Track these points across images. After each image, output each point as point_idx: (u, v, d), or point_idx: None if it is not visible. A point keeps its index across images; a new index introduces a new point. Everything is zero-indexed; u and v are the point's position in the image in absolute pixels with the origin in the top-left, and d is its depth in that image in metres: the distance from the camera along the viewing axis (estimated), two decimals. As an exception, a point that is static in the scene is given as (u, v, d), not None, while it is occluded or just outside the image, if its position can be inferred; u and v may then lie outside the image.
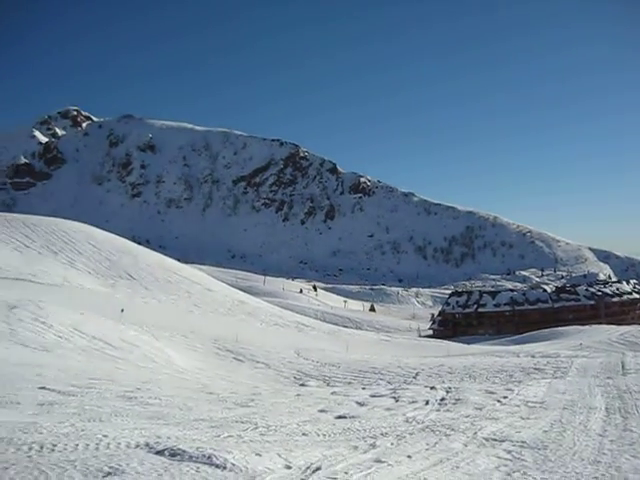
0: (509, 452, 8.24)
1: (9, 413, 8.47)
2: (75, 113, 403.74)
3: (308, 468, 6.03)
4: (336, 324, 63.71)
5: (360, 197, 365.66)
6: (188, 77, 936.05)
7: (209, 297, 61.46)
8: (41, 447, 6.09)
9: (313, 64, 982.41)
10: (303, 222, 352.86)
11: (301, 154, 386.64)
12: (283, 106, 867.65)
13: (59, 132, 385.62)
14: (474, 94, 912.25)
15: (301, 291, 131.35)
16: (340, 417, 10.49)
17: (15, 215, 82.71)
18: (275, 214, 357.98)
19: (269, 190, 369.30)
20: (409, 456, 7.37)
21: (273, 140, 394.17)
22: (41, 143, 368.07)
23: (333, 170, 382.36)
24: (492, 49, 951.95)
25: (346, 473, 5.93)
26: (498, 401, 13.80)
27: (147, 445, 6.51)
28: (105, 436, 6.90)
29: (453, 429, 9.77)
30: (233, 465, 5.79)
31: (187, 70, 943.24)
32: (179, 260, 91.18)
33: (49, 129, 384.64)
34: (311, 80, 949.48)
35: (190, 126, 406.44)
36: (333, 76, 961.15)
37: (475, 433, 9.49)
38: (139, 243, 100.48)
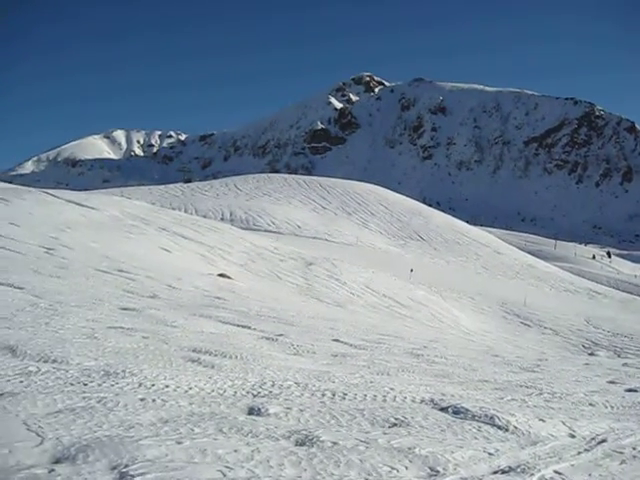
0: None
1: (306, 361, 9.09)
2: (368, 79, 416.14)
3: (593, 439, 5.81)
4: (630, 293, 59.86)
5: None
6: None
7: (497, 260, 60.75)
8: (333, 394, 6.49)
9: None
10: (598, 184, 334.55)
11: (596, 113, 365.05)
12: (578, 64, 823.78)
13: (353, 98, 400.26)
14: None
15: (594, 257, 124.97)
16: (631, 390, 9.95)
17: (313, 178, 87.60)
18: (568, 176, 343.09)
19: (562, 151, 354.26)
20: None
21: (567, 99, 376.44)
22: (336, 109, 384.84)
23: (631, 129, 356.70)
24: None
25: (634, 448, 5.62)
26: None
27: (432, 401, 6.67)
28: (392, 389, 7.18)
29: None
30: (515, 428, 5.75)
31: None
32: (468, 222, 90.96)
33: (344, 95, 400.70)
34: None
35: (480, 87, 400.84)
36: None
37: None
38: (429, 205, 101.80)
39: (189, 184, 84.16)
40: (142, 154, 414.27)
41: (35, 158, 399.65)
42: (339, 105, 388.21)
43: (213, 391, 6.11)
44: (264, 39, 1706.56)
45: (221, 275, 23.29)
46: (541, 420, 6.16)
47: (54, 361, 6.60)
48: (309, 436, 4.72)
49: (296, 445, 4.54)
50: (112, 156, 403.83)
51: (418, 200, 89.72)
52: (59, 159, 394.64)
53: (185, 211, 55.99)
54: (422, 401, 6.66)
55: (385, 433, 5.13)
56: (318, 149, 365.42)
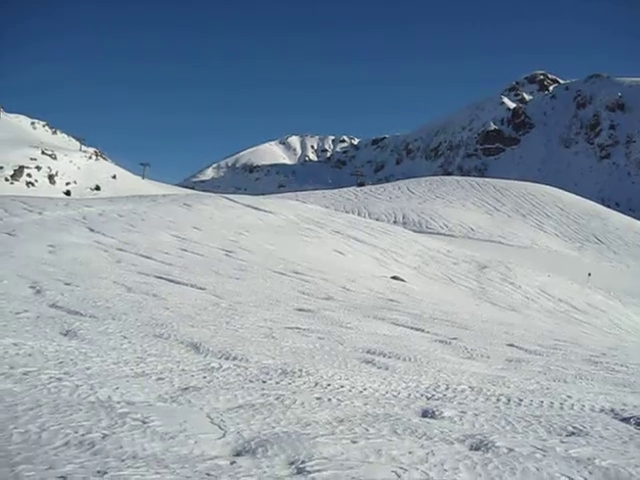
0: None
1: (480, 365, 8.95)
2: (542, 77, 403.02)
3: None
4: None
5: None
6: None
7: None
8: (508, 400, 6.35)
9: None
10: None
11: None
12: None
13: (526, 97, 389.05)
14: None
15: None
16: None
17: (486, 180, 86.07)
18: None
19: None
20: None
21: None
22: (509, 109, 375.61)
23: None
24: None
25: None
26: None
27: (612, 411, 6.37)
28: (569, 397, 6.93)
29: None
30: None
31: None
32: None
33: (517, 95, 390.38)
34: None
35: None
36: None
37: None
38: (607, 206, 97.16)
39: (362, 187, 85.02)
40: (316, 159, 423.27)
41: (215, 165, 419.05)
42: (512, 105, 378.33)
43: (387, 392, 6.15)
44: (436, 42, 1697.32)
45: (394, 278, 23.38)
46: None
47: (234, 358, 6.90)
48: (484, 441, 4.65)
49: (471, 449, 4.48)
50: (287, 161, 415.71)
51: (596, 201, 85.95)
52: (237, 165, 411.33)
53: (358, 214, 56.64)
54: (602, 410, 6.37)
55: (562, 442, 4.96)
56: (491, 150, 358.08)
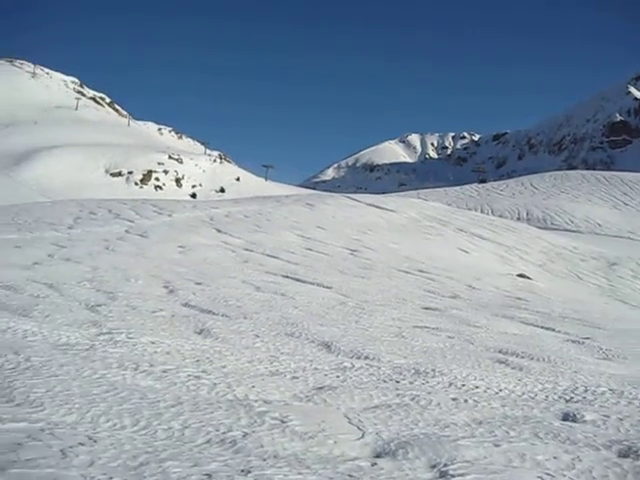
0: None
1: (617, 367, 8.57)
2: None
3: None
4: None
5: None
6: None
7: None
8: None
9: None
10: None
11: None
12: None
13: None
14: None
15: None
16: None
17: (614, 173, 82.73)
18: None
19: None
20: None
21: None
22: (637, 99, 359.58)
23: None
24: None
25: None
26: None
27: None
28: None
29: None
30: None
31: None
32: None
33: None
34: None
35: None
36: None
37: None
38: None
39: (484, 184, 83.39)
40: (436, 156, 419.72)
41: (335, 165, 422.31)
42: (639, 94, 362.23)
43: (524, 394, 5.96)
44: (553, 29, 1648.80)
45: (520, 275, 22.77)
46: None
47: (366, 358, 6.86)
48: (632, 447, 4.41)
49: (619, 456, 4.26)
50: (407, 160, 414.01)
51: None
52: (357, 165, 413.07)
53: (481, 211, 55.62)
54: None
55: None
56: (617, 142, 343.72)
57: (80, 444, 3.70)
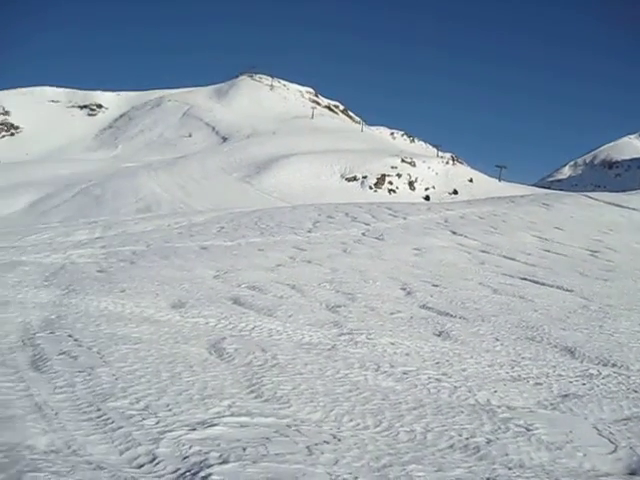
0: None
1: None
2: None
3: None
4: None
5: None
6: None
7: None
8: None
9: None
10: None
11: None
12: None
13: None
14: None
15: None
16: None
17: None
18: None
19: None
20: None
21: None
22: None
23: None
24: None
25: None
26: None
27: None
28: None
29: None
30: None
31: None
32: None
33: None
34: None
35: None
36: None
37: None
38: None
39: None
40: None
41: (572, 163, 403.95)
42: None
43: None
44: None
45: None
46: None
47: (614, 365, 6.49)
48: None
49: None
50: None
51: None
52: (595, 162, 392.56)
53: None
54: None
55: None
56: None
57: (325, 442, 3.81)
